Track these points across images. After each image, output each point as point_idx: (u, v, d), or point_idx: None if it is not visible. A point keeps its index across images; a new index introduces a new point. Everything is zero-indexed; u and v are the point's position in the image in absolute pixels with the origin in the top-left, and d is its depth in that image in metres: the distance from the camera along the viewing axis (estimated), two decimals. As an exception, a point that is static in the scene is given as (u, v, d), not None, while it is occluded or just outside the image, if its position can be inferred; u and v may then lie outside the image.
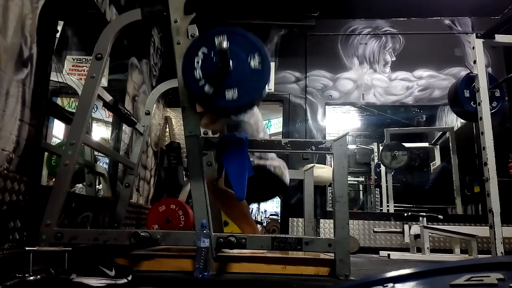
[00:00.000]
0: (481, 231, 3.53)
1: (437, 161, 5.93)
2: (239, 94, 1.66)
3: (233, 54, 1.65)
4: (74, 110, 2.32)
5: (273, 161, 2.45)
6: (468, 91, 3.28)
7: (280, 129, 5.05)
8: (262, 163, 2.41)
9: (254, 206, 9.13)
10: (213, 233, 1.78)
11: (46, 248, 1.68)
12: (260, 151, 2.31)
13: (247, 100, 1.70)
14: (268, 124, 6.75)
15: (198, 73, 1.69)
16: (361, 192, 7.39)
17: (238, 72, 1.67)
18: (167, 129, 4.83)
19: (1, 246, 1.70)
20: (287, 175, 2.51)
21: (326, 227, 4.43)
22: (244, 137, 1.91)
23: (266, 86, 1.70)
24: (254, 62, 1.68)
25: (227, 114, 2.12)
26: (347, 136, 1.95)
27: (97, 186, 3.20)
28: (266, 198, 2.79)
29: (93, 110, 2.50)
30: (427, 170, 6.51)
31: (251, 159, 2.33)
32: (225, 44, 1.55)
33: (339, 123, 6.62)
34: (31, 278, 1.44)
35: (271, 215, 8.36)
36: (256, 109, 2.43)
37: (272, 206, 9.75)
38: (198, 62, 1.69)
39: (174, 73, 1.87)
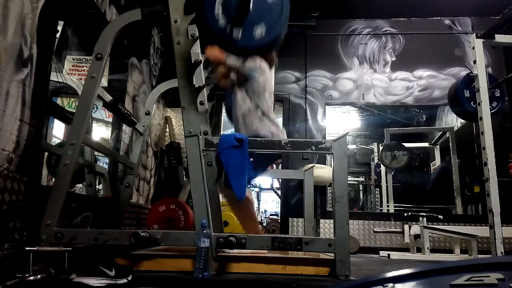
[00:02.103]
0: (481, 231, 3.54)
1: (437, 161, 5.93)
2: (266, 29, 1.68)
3: None
4: (74, 110, 2.33)
5: (272, 125, 2.39)
6: (468, 91, 3.28)
7: (280, 129, 5.05)
8: (261, 126, 2.36)
9: (254, 206, 9.07)
10: (213, 233, 1.78)
11: (46, 248, 1.68)
12: (261, 150, 2.31)
13: (273, 34, 1.71)
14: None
15: (222, 18, 1.69)
16: (361, 192, 7.39)
17: (258, 8, 1.68)
18: (167, 129, 4.83)
19: (1, 246, 1.70)
20: (285, 135, 2.46)
21: (326, 227, 4.43)
22: (244, 137, 1.92)
23: (287, 18, 1.72)
24: None
25: (255, 52, 2.09)
26: (347, 136, 1.95)
27: (97, 186, 3.20)
28: (264, 167, 2.76)
29: (93, 110, 2.50)
30: (427, 170, 6.51)
31: (256, 118, 2.34)
32: None
33: (339, 123, 6.62)
34: (31, 278, 1.44)
35: (271, 215, 8.35)
36: (267, 69, 2.40)
37: (272, 206, 9.76)
38: (218, 9, 1.70)
39: (174, 73, 1.87)
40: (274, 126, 2.39)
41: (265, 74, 2.39)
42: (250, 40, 1.69)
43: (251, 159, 1.95)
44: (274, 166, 6.62)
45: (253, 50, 1.86)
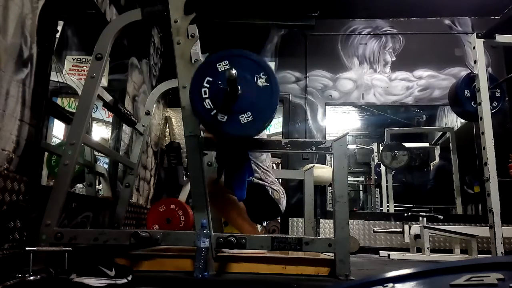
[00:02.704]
0: (481, 231, 3.53)
1: (437, 161, 5.93)
2: (253, 116, 1.63)
3: (239, 77, 1.60)
4: (74, 110, 2.32)
5: (273, 185, 2.45)
6: (468, 91, 3.28)
7: (280, 129, 5.05)
8: (262, 183, 2.41)
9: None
10: (213, 233, 1.78)
11: (46, 248, 1.68)
12: (261, 150, 2.31)
13: (262, 121, 1.66)
14: (268, 124, 6.74)
15: (207, 103, 1.65)
16: (361, 192, 7.39)
17: (247, 94, 1.64)
18: (167, 129, 4.83)
19: (1, 246, 1.70)
20: (284, 203, 2.50)
21: (326, 227, 4.43)
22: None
23: (277, 102, 1.68)
24: (261, 80, 1.66)
25: (240, 139, 1.95)
26: (347, 136, 1.94)
27: (97, 186, 3.20)
28: (258, 219, 2.76)
29: (93, 110, 2.50)
30: (427, 170, 6.51)
31: (251, 179, 2.34)
32: (233, 72, 1.53)
33: (339, 123, 6.62)
34: (31, 278, 1.44)
35: (271, 215, 8.33)
36: (263, 133, 2.40)
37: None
38: (205, 92, 1.66)
39: (174, 73, 1.87)
40: (275, 185, 2.46)
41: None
42: (237, 128, 1.65)
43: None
44: (274, 166, 6.63)
45: (240, 137, 1.81)
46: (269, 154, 2.57)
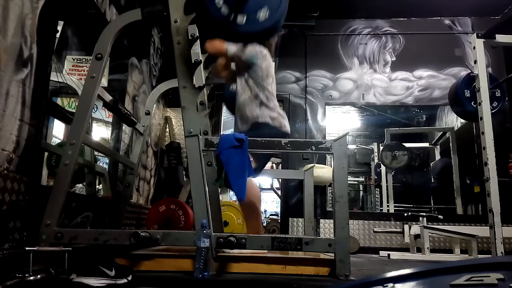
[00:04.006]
0: (481, 231, 3.53)
1: (437, 160, 5.93)
2: (269, 13, 1.69)
3: None
4: (74, 110, 2.33)
5: (271, 112, 2.41)
6: (468, 91, 3.28)
7: (280, 129, 5.04)
8: (261, 114, 2.39)
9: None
10: (213, 233, 1.78)
11: (46, 248, 1.68)
12: (260, 151, 2.31)
13: (274, 18, 1.73)
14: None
15: (224, 7, 1.71)
16: (361, 192, 7.39)
17: None
18: (167, 129, 4.83)
19: (1, 246, 1.70)
20: (287, 124, 2.48)
21: (326, 227, 4.43)
22: (244, 137, 1.91)
23: (286, 7, 1.73)
24: None
25: (259, 38, 2.10)
26: (347, 136, 1.94)
27: (97, 186, 3.20)
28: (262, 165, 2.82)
29: (93, 110, 2.50)
30: (427, 170, 6.51)
31: (255, 107, 2.37)
32: None
33: (339, 123, 6.62)
34: (31, 278, 1.44)
35: (271, 215, 8.36)
36: (268, 55, 2.44)
37: (272, 206, 9.76)
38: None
39: (174, 73, 1.87)
40: (274, 112, 2.42)
41: (267, 59, 2.44)
42: (254, 24, 1.72)
43: (251, 159, 1.96)
44: (274, 166, 6.63)
45: (257, 35, 1.88)
46: (274, 77, 2.56)
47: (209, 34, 2.05)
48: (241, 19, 1.71)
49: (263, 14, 1.71)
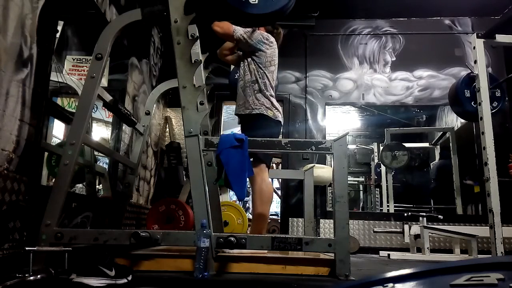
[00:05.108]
0: (481, 231, 3.53)
1: (438, 160, 5.93)
2: None
3: None
4: (74, 110, 2.32)
5: (265, 100, 2.48)
6: (468, 91, 3.28)
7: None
8: (256, 101, 2.46)
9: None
10: (213, 233, 1.78)
11: (46, 248, 1.68)
12: (260, 151, 2.31)
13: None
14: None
15: None
16: (361, 192, 7.38)
17: None
18: (167, 129, 4.83)
19: (1, 246, 1.70)
20: (280, 115, 2.55)
21: (326, 227, 4.43)
22: (244, 137, 1.91)
23: None
24: None
25: (273, 19, 2.13)
26: (347, 136, 1.95)
27: (97, 186, 3.20)
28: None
29: (93, 110, 2.50)
30: (427, 170, 6.52)
31: (253, 92, 2.43)
32: None
33: (339, 123, 6.62)
34: (31, 278, 1.44)
35: (271, 215, 8.35)
36: (274, 42, 2.51)
37: (272, 206, 9.75)
38: None
39: (174, 73, 1.87)
40: (268, 100, 2.49)
41: (273, 46, 2.47)
42: (268, 3, 1.73)
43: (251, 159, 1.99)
44: (274, 166, 6.63)
45: (269, 16, 1.89)
46: (276, 67, 2.61)
47: (218, 17, 2.06)
48: (254, 0, 1.72)
49: None
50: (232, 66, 3.33)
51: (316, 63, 4.96)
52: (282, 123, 2.61)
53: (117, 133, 3.44)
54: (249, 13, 1.75)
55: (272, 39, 2.53)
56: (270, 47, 2.49)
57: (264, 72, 2.47)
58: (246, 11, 1.74)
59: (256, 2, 1.74)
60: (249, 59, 2.49)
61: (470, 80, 3.20)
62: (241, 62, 2.57)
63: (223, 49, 2.73)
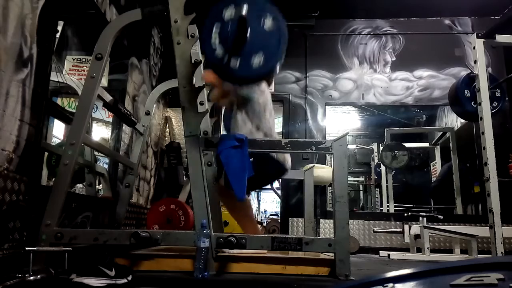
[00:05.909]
0: (481, 231, 3.53)
1: (437, 161, 5.93)
2: (264, 59, 1.66)
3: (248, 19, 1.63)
4: (74, 110, 2.32)
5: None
6: (468, 91, 3.28)
7: (280, 129, 5.05)
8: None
9: (254, 206, 9.09)
10: (213, 233, 1.78)
11: (46, 248, 1.68)
12: (261, 150, 2.31)
13: (271, 64, 1.69)
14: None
15: (219, 48, 1.68)
16: (361, 192, 7.39)
17: (256, 37, 1.66)
18: (167, 129, 4.82)
19: (1, 246, 1.70)
20: (289, 160, 2.46)
21: (326, 227, 4.43)
22: (244, 137, 1.91)
23: (284, 49, 1.70)
24: (268, 24, 1.68)
25: (252, 82, 2.09)
26: (347, 136, 1.95)
27: (97, 186, 3.20)
28: (265, 183, 2.84)
29: (93, 110, 2.50)
30: (427, 170, 6.52)
31: (251, 129, 2.33)
32: (244, 11, 1.55)
33: (339, 123, 6.62)
34: (31, 278, 1.44)
35: (271, 215, 8.36)
36: (266, 89, 2.42)
37: (272, 206, 9.76)
38: (215, 38, 1.69)
39: (174, 73, 1.87)
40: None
41: (265, 94, 2.39)
42: (248, 69, 1.67)
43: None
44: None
45: (251, 79, 1.85)
46: (273, 113, 2.52)
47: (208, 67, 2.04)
48: (235, 63, 1.67)
49: (257, 60, 1.64)
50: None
51: (316, 63, 4.96)
52: (288, 171, 2.52)
53: (117, 133, 3.43)
54: (232, 76, 1.72)
55: (263, 85, 2.38)
56: (261, 95, 2.38)
57: (261, 119, 2.39)
58: (229, 74, 1.71)
59: (236, 67, 1.69)
60: (246, 108, 2.37)
61: (470, 80, 3.20)
62: (238, 111, 2.42)
63: (215, 95, 2.54)
